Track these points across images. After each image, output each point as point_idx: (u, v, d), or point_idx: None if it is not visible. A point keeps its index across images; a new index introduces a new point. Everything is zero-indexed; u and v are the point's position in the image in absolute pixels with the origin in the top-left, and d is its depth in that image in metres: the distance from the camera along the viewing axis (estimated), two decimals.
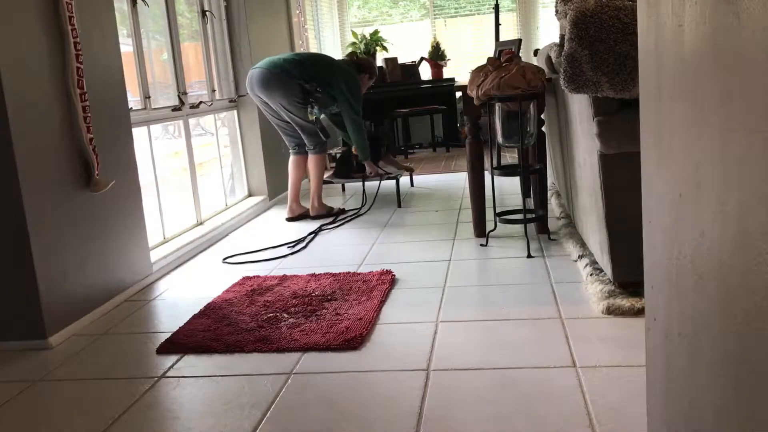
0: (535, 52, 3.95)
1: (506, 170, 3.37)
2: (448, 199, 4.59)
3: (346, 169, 4.74)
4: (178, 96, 3.92)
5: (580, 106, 2.47)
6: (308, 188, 4.36)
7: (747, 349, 0.77)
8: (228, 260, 3.40)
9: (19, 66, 2.33)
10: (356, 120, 4.27)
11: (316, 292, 2.71)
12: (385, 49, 7.59)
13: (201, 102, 4.19)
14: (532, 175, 3.43)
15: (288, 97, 4.05)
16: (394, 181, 4.57)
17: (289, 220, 4.30)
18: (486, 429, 1.62)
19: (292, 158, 4.35)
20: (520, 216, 3.25)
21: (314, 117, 4.17)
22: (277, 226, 4.18)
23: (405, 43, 7.85)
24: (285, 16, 5.66)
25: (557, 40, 2.65)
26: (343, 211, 4.39)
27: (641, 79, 1.17)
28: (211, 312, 2.59)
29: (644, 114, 1.17)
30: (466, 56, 7.82)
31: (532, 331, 2.17)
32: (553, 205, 3.84)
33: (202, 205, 4.11)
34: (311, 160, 4.29)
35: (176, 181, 4.11)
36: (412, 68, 7.43)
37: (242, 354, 2.19)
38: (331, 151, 6.60)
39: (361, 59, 4.51)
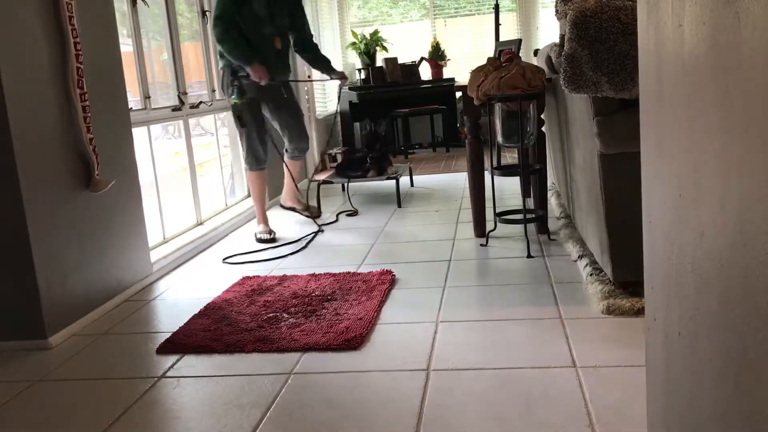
0: (535, 52, 3.95)
1: (506, 170, 3.37)
2: (448, 199, 4.59)
3: (346, 169, 4.74)
4: (178, 96, 3.92)
5: (580, 106, 2.47)
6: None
7: (747, 349, 0.77)
8: (228, 260, 3.40)
9: (19, 66, 2.33)
10: (215, 27, 3.59)
11: (316, 292, 2.71)
12: (385, 49, 7.59)
13: (201, 102, 4.19)
14: (532, 175, 3.43)
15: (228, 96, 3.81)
16: (394, 181, 4.57)
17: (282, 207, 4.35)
18: (486, 429, 1.62)
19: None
20: (520, 216, 3.25)
21: (234, 102, 3.71)
22: (276, 226, 4.18)
23: (405, 43, 7.85)
24: None
25: (557, 40, 2.65)
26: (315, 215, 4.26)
27: (641, 79, 1.17)
28: (211, 312, 2.59)
29: (644, 114, 1.17)
30: (466, 56, 7.82)
31: (532, 331, 2.17)
32: (553, 205, 3.84)
33: (202, 205, 4.11)
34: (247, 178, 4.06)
35: (176, 181, 4.11)
36: (412, 68, 7.43)
37: (242, 354, 2.19)
38: (330, 151, 6.61)
39: None
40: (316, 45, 4.09)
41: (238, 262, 3.36)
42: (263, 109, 3.84)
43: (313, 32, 4.19)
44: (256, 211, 3.99)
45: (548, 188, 3.67)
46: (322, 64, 4.11)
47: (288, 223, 4.23)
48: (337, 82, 4.23)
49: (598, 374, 1.84)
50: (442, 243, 3.40)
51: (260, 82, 3.61)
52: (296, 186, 4.25)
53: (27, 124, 2.35)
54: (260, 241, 3.76)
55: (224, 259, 3.42)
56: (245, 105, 3.70)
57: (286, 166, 4.13)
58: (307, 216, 4.23)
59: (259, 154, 3.83)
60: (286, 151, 4.06)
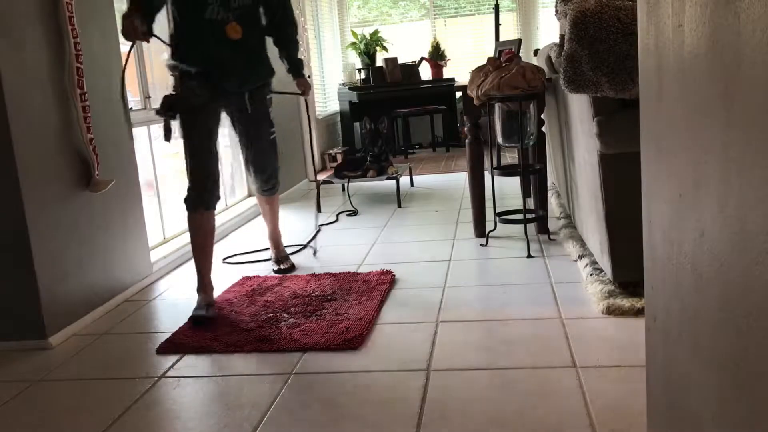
0: (535, 52, 3.95)
1: (506, 170, 3.37)
2: (448, 199, 4.59)
3: (346, 169, 4.74)
4: None
5: (580, 106, 2.47)
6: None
7: (747, 349, 0.77)
8: (228, 260, 3.40)
9: (19, 66, 2.33)
10: None
11: (316, 292, 2.71)
12: (385, 49, 7.59)
13: None
14: (532, 175, 3.43)
15: None
16: (394, 181, 4.57)
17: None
18: (486, 429, 1.62)
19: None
20: (520, 216, 3.25)
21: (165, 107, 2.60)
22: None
23: (405, 43, 7.85)
24: None
25: (557, 40, 2.65)
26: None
27: (641, 79, 1.17)
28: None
29: (644, 114, 1.17)
30: (466, 56, 7.82)
31: (532, 331, 2.17)
32: (553, 205, 3.84)
33: None
34: None
35: (176, 181, 4.11)
36: (412, 68, 7.43)
37: (242, 354, 2.19)
38: (330, 151, 6.62)
39: None
40: (289, 37, 2.97)
41: (238, 262, 3.36)
42: (221, 122, 2.78)
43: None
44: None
45: (548, 188, 3.67)
46: (288, 62, 3.00)
47: (287, 224, 4.23)
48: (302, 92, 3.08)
49: (598, 374, 1.84)
50: (442, 243, 3.40)
51: (127, 40, 2.47)
52: (276, 230, 3.21)
53: (27, 124, 2.35)
54: (194, 319, 2.49)
55: (224, 259, 3.42)
56: (184, 110, 2.60)
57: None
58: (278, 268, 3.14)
59: (199, 189, 2.61)
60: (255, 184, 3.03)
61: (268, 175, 2.96)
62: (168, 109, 2.56)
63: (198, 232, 2.64)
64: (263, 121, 2.87)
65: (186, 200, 2.63)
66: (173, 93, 2.60)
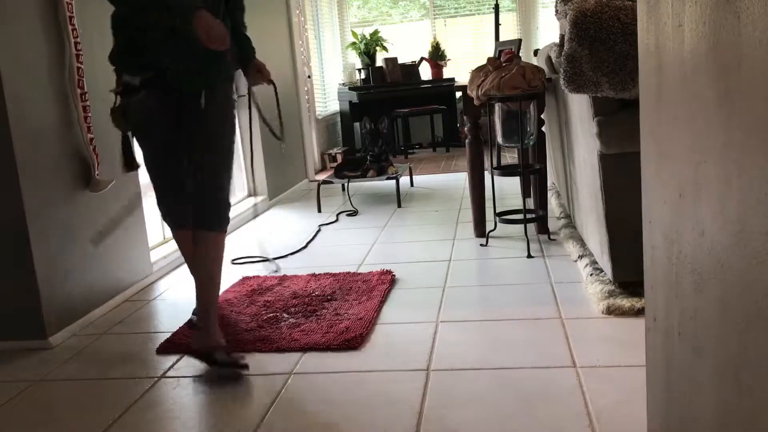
0: (535, 52, 3.95)
1: (506, 170, 3.37)
2: (448, 199, 4.59)
3: (345, 169, 4.74)
4: None
5: (580, 106, 2.47)
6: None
7: (747, 349, 0.77)
8: (236, 261, 3.39)
9: (19, 66, 2.33)
10: None
11: (316, 292, 2.71)
12: (385, 49, 7.59)
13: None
14: (532, 175, 3.43)
15: None
16: (394, 181, 4.57)
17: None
18: (486, 429, 1.62)
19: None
20: (520, 216, 3.25)
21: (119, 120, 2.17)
22: (277, 226, 4.18)
23: (405, 43, 7.85)
24: (285, 16, 5.66)
25: (557, 40, 2.65)
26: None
27: (641, 79, 1.17)
28: None
29: (644, 114, 1.17)
30: (466, 56, 7.82)
31: (532, 331, 2.17)
32: (553, 205, 3.84)
33: None
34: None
35: None
36: (412, 68, 7.43)
37: (242, 354, 2.19)
38: (330, 151, 6.61)
39: None
40: (238, 22, 2.47)
41: (244, 261, 3.36)
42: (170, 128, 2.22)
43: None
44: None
45: (548, 188, 3.67)
46: (239, 49, 2.41)
47: (288, 224, 4.23)
48: (262, 86, 2.46)
49: (598, 374, 1.84)
50: (442, 243, 3.40)
51: (214, 47, 2.01)
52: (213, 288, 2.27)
53: (27, 124, 2.35)
54: (190, 326, 2.39)
55: (233, 260, 3.40)
56: (134, 126, 2.20)
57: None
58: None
59: (169, 210, 2.32)
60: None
61: (216, 200, 2.18)
62: (119, 123, 2.17)
63: (183, 247, 2.40)
64: (220, 124, 2.21)
65: (163, 218, 2.38)
66: (120, 103, 2.14)
